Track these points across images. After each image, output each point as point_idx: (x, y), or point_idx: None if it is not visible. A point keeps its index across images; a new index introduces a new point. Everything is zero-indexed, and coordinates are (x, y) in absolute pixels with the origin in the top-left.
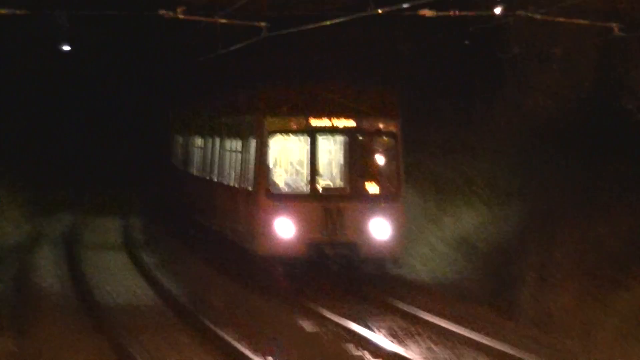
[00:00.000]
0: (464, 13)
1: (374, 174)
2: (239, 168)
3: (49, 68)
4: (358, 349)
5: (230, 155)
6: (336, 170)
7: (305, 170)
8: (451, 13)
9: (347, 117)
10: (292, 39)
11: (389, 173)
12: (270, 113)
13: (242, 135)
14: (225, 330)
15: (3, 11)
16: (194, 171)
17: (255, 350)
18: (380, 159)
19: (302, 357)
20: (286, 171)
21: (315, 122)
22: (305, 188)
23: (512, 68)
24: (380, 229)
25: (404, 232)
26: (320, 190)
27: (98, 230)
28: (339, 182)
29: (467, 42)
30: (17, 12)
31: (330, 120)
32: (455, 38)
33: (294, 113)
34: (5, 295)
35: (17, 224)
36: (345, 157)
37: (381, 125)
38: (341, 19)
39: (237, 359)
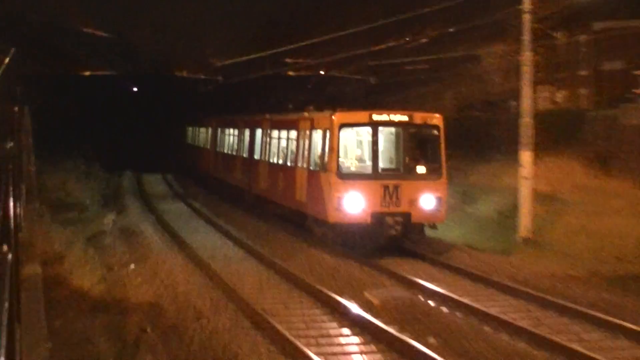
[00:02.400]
0: (306, 73)
1: (423, 157)
2: (304, 153)
3: (121, 99)
4: (488, 325)
5: (288, 142)
6: (392, 155)
7: (368, 155)
8: (302, 73)
9: (401, 113)
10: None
11: (434, 157)
12: (340, 109)
13: (303, 127)
14: (287, 265)
15: (106, 73)
16: (229, 151)
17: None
18: (427, 146)
19: (441, 330)
20: (352, 156)
21: (376, 116)
22: (368, 169)
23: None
24: (428, 200)
25: (447, 203)
26: (380, 171)
27: (151, 182)
28: (395, 164)
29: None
30: (108, 73)
31: (388, 115)
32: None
33: (359, 109)
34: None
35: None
36: (399, 145)
37: (427, 119)
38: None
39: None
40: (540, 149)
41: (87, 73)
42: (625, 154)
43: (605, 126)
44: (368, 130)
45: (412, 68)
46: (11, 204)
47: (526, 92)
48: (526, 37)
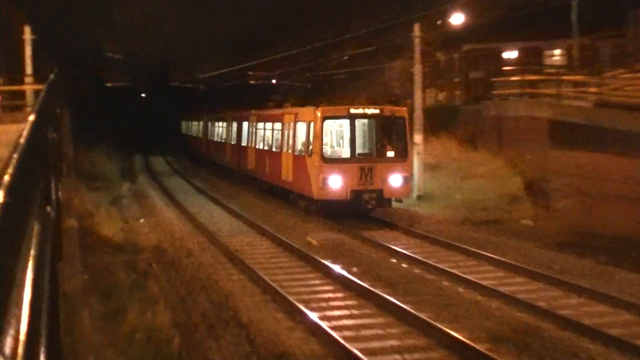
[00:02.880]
0: (263, 82)
1: (391, 143)
2: (289, 141)
3: (134, 102)
4: (394, 258)
5: (274, 132)
6: (367, 142)
7: (347, 142)
8: (260, 82)
9: (374, 107)
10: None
11: (401, 142)
12: (323, 104)
13: (288, 119)
14: (275, 230)
15: (122, 84)
16: (219, 139)
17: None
18: (395, 134)
19: (362, 262)
20: (334, 143)
21: (353, 110)
22: (347, 154)
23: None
24: (396, 179)
25: (411, 181)
26: (357, 155)
27: (155, 161)
28: (369, 149)
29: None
30: (124, 84)
31: (364, 109)
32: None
33: (339, 104)
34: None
35: (118, 160)
36: (372, 133)
37: (395, 112)
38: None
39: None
40: (428, 132)
41: (109, 84)
42: (485, 135)
43: (472, 116)
44: (346, 121)
45: (337, 77)
46: (53, 177)
47: (418, 93)
48: (417, 55)
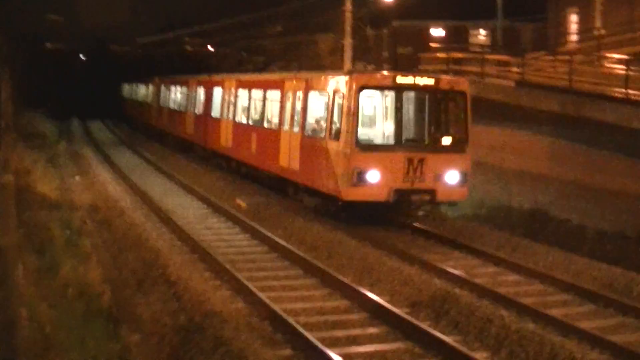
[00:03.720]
0: (199, 49)
1: (449, 127)
2: (294, 116)
3: (75, 64)
4: (318, 223)
5: (266, 103)
6: (417, 124)
7: (391, 124)
8: (196, 49)
9: (428, 76)
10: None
11: (459, 127)
12: (359, 70)
13: (292, 88)
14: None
15: (59, 46)
16: (176, 107)
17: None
18: (453, 114)
19: (287, 226)
20: (371, 124)
21: (401, 79)
22: (390, 139)
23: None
24: (452, 176)
25: (469, 179)
26: (404, 142)
27: (96, 127)
28: (419, 135)
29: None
30: (61, 46)
31: (414, 78)
32: None
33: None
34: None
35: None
36: (424, 112)
37: (454, 85)
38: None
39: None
40: None
41: (49, 45)
42: None
43: None
44: (390, 94)
45: (271, 48)
46: None
47: (347, 66)
48: (347, 29)
